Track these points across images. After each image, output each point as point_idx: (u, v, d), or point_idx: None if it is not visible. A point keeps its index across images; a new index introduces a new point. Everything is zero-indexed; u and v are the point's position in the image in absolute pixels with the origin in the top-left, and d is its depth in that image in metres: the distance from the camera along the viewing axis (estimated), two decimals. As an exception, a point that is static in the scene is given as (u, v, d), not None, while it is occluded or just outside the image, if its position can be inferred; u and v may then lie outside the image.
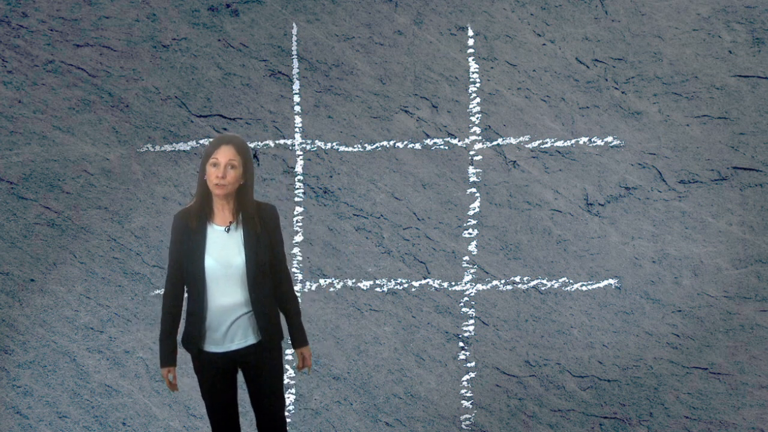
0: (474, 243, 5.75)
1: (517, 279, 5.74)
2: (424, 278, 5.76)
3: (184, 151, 5.79)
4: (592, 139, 5.73)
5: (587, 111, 5.73)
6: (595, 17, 5.73)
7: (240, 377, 4.49)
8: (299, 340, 4.45)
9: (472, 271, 5.75)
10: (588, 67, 5.73)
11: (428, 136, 5.76)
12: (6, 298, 5.79)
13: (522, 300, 5.74)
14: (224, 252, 4.31)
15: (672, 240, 5.69)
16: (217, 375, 4.37)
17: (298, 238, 5.78)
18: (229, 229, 4.35)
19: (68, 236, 5.78)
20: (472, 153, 5.76)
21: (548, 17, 5.75)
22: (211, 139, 4.09)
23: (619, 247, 5.71)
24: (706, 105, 5.69)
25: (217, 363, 4.35)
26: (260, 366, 4.36)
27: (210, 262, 4.30)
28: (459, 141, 5.76)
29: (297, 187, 5.77)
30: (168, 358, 4.41)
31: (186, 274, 4.34)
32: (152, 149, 5.79)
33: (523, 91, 5.75)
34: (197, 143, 5.79)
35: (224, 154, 4.30)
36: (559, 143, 5.74)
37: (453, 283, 5.75)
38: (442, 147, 5.77)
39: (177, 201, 5.79)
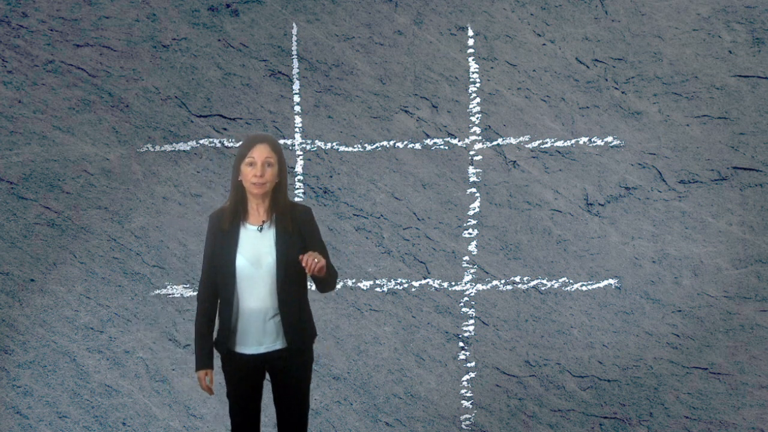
0: (474, 243, 5.75)
1: (517, 279, 5.74)
2: (424, 278, 5.76)
3: (184, 151, 5.79)
4: (592, 139, 5.73)
5: (587, 111, 5.73)
6: (595, 17, 5.73)
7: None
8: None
9: (472, 271, 5.75)
10: (588, 67, 5.73)
11: (428, 136, 5.76)
12: (6, 298, 5.79)
13: (522, 300, 5.74)
14: (255, 251, 4.29)
15: (672, 240, 5.69)
16: (244, 376, 4.34)
17: (298, 238, 5.77)
18: (261, 228, 4.33)
19: (68, 236, 5.78)
20: (472, 153, 5.76)
21: (548, 17, 5.75)
22: (242, 140, 4.08)
23: (619, 247, 5.71)
24: (706, 105, 5.69)
25: (246, 365, 4.33)
26: (287, 371, 4.33)
27: (241, 261, 4.28)
28: (459, 141, 5.76)
29: (297, 187, 5.77)
30: (204, 361, 4.36)
31: (218, 274, 4.33)
32: (152, 149, 5.79)
33: (523, 91, 5.75)
34: (197, 143, 5.79)
35: (260, 153, 4.29)
36: (559, 143, 5.74)
37: (453, 283, 5.75)
38: (442, 147, 5.77)
39: (177, 201, 5.79)
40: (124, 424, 5.77)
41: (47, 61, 5.79)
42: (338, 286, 5.70)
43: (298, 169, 5.78)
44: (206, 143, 5.79)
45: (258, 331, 4.30)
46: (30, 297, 5.79)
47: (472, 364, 5.75)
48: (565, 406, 5.72)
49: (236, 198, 4.35)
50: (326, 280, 4.33)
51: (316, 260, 4.17)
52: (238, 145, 5.77)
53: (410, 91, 5.76)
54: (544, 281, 5.73)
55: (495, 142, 5.75)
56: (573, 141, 5.73)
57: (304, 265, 4.18)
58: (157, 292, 5.79)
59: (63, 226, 5.78)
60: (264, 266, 4.28)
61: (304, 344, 4.35)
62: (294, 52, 5.79)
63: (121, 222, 5.78)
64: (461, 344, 5.75)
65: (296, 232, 4.32)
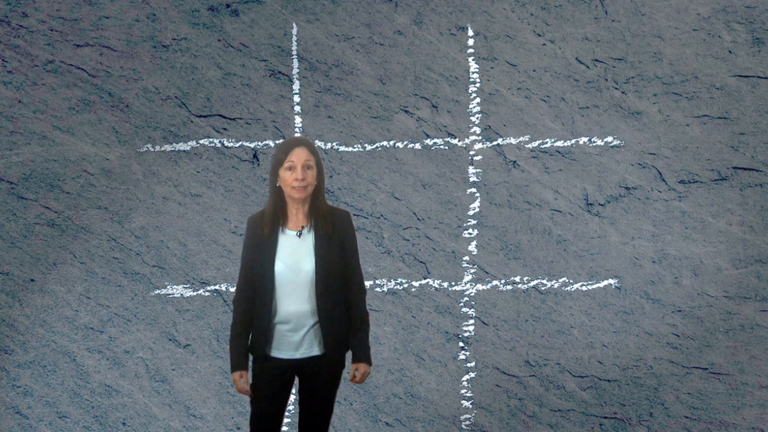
0: (474, 243, 5.75)
1: (517, 279, 5.74)
2: (424, 278, 5.76)
3: (184, 151, 5.79)
4: (592, 139, 5.73)
5: (587, 111, 5.73)
6: (595, 17, 5.73)
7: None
8: (358, 355, 4.33)
9: (472, 271, 5.75)
10: (588, 67, 5.73)
11: (428, 136, 5.76)
12: (6, 298, 5.78)
13: (522, 300, 5.74)
14: (295, 257, 4.26)
15: (672, 240, 5.69)
16: (275, 381, 4.30)
17: (298, 238, 5.77)
18: (301, 234, 4.30)
19: (68, 236, 5.78)
20: (472, 153, 5.76)
21: (548, 17, 5.75)
22: (278, 145, 4.05)
23: (619, 247, 5.71)
24: (706, 105, 5.69)
25: (279, 369, 4.29)
26: (319, 377, 4.30)
27: (280, 267, 4.25)
28: (459, 141, 5.76)
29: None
30: (239, 362, 4.32)
31: (256, 279, 4.29)
32: (152, 149, 5.79)
33: (523, 91, 5.75)
34: (197, 143, 5.79)
35: (299, 156, 4.26)
36: (559, 143, 5.74)
37: (453, 283, 5.75)
38: (442, 147, 5.77)
39: (177, 201, 5.79)
40: (124, 424, 5.77)
41: (47, 61, 5.79)
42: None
43: (298, 169, 5.78)
44: (206, 143, 5.79)
45: (295, 337, 4.27)
46: (30, 297, 5.79)
47: (472, 364, 5.75)
48: (565, 406, 5.72)
49: (275, 203, 4.32)
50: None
51: (359, 381, 4.35)
52: (238, 145, 5.77)
53: (410, 91, 5.77)
54: (544, 281, 5.73)
55: (495, 142, 5.75)
56: (573, 141, 5.73)
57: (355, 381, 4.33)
58: (157, 292, 5.79)
59: (63, 226, 5.78)
60: (303, 272, 4.24)
61: (340, 352, 4.33)
62: (294, 52, 5.79)
63: (121, 222, 5.78)
64: (461, 344, 5.75)
65: (336, 238, 4.29)
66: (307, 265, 4.24)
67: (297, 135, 5.58)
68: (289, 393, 4.36)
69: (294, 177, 4.24)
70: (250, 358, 4.37)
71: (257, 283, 4.29)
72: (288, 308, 4.26)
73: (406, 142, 5.77)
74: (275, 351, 4.29)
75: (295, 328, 4.26)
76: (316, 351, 4.29)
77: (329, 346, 4.27)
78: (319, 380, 4.30)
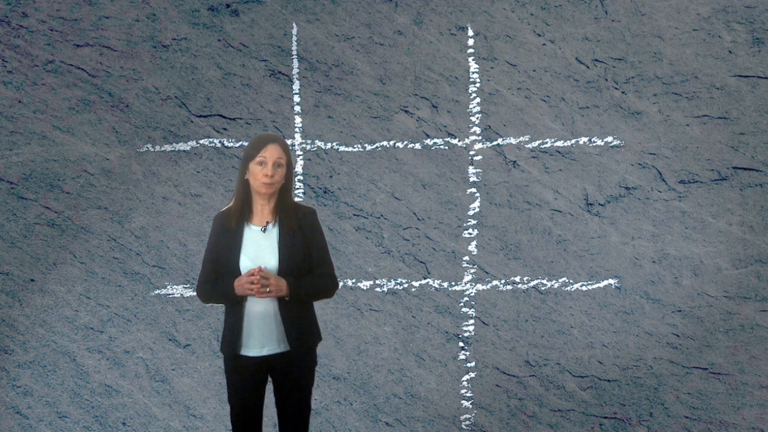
0: (474, 243, 5.75)
1: (517, 279, 5.74)
2: (424, 278, 5.76)
3: (184, 151, 5.79)
4: (592, 139, 5.73)
5: (587, 111, 5.73)
6: (595, 17, 5.73)
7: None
8: (291, 282, 4.26)
9: (472, 271, 5.75)
10: (588, 67, 5.73)
11: (428, 136, 5.76)
12: (6, 298, 5.78)
13: (522, 300, 5.74)
14: (259, 252, 4.28)
15: (672, 240, 5.69)
16: (247, 379, 4.33)
17: (298, 238, 5.77)
18: (265, 229, 4.33)
19: (68, 236, 5.78)
20: (472, 153, 5.76)
21: (548, 17, 5.75)
22: (242, 140, 4.05)
23: (619, 247, 5.71)
24: (706, 105, 5.69)
25: (250, 367, 4.32)
26: (289, 373, 4.32)
27: (246, 262, 4.27)
28: (459, 141, 5.76)
29: (297, 187, 5.77)
30: (230, 283, 4.26)
31: (222, 275, 4.33)
32: (152, 149, 5.79)
33: (523, 91, 5.75)
34: (197, 143, 5.79)
35: (272, 153, 4.29)
36: (559, 143, 5.74)
37: (453, 283, 5.75)
38: (442, 147, 5.77)
39: (177, 201, 5.79)
40: (124, 424, 5.77)
41: (47, 61, 5.79)
42: (339, 286, 5.71)
43: (298, 169, 5.78)
44: (206, 143, 5.79)
45: (261, 334, 4.29)
46: (30, 297, 5.79)
47: (472, 364, 5.75)
48: (565, 406, 5.72)
49: (242, 198, 4.34)
50: (306, 298, 4.32)
51: (267, 288, 4.19)
52: (238, 145, 5.77)
53: (410, 91, 5.76)
54: (544, 281, 5.73)
55: (495, 142, 5.75)
56: (573, 141, 5.73)
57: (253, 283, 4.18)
58: (157, 292, 5.79)
59: (63, 226, 5.78)
60: (266, 268, 4.27)
61: (306, 347, 4.34)
62: (294, 52, 5.79)
63: (121, 222, 5.78)
64: (461, 344, 5.75)
65: (300, 234, 4.32)
66: (271, 261, 4.27)
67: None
68: (263, 390, 4.39)
69: (264, 173, 4.26)
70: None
71: (224, 278, 4.32)
72: (253, 304, 4.28)
73: (406, 142, 5.77)
74: (244, 349, 4.32)
75: (261, 324, 4.28)
76: (282, 347, 4.31)
77: (294, 342, 4.29)
78: (289, 377, 4.32)
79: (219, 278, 4.33)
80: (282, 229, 4.31)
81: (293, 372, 4.32)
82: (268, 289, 4.20)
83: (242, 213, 4.34)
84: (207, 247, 4.39)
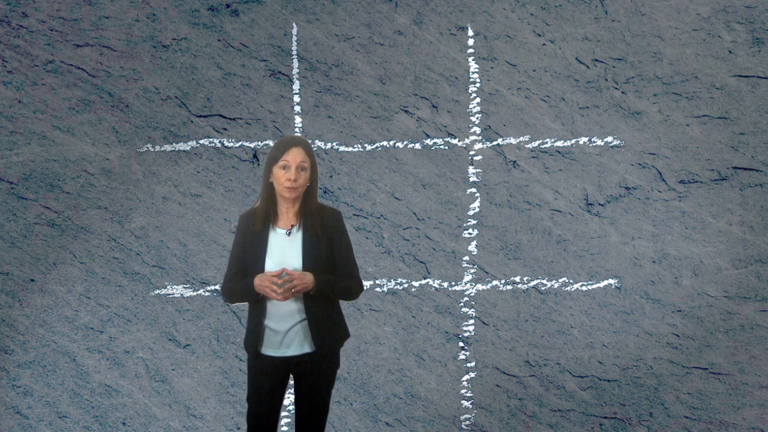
0: (474, 243, 5.75)
1: (517, 279, 5.74)
2: (424, 278, 5.76)
3: (184, 151, 5.79)
4: (592, 139, 5.73)
5: (587, 111, 5.73)
6: (595, 17, 5.73)
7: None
8: (317, 275, 4.25)
9: (472, 271, 5.75)
10: (588, 67, 5.73)
11: (428, 136, 5.76)
12: (6, 298, 5.78)
13: (522, 300, 5.74)
14: (284, 255, 4.27)
15: (672, 240, 5.69)
16: (269, 379, 4.31)
17: (298, 238, 5.77)
18: (290, 233, 4.31)
19: (68, 236, 5.78)
20: (472, 153, 5.76)
21: (548, 17, 5.75)
22: (275, 142, 4.05)
23: (619, 247, 5.71)
24: (706, 105, 5.69)
25: (272, 367, 4.30)
26: (312, 374, 4.30)
27: (270, 265, 4.26)
28: (459, 141, 5.76)
29: (297, 187, 5.77)
30: (250, 281, 4.26)
31: (247, 276, 4.31)
32: (152, 149, 5.79)
33: (523, 91, 5.75)
34: (197, 143, 5.79)
35: (294, 156, 4.27)
36: (559, 143, 5.74)
37: (453, 283, 5.75)
38: (442, 147, 5.77)
39: (177, 201, 5.79)
40: (124, 424, 5.77)
41: (47, 61, 5.79)
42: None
43: (298, 169, 5.78)
44: (206, 143, 5.79)
45: (285, 335, 4.29)
46: (30, 297, 5.79)
47: (472, 364, 5.75)
48: (565, 406, 5.72)
49: (266, 200, 4.33)
50: (331, 293, 4.31)
51: (293, 288, 4.18)
52: (238, 145, 5.77)
53: (410, 91, 5.76)
54: (544, 281, 5.73)
55: (495, 142, 5.75)
56: (573, 141, 5.74)
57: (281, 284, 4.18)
58: (157, 292, 5.79)
59: (63, 226, 5.78)
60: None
61: (330, 349, 4.33)
62: (294, 52, 5.79)
63: (121, 222, 5.78)
64: (461, 344, 5.75)
65: (324, 237, 4.30)
66: (296, 264, 4.25)
67: (296, 134, 5.59)
68: (283, 391, 4.37)
69: (287, 177, 4.25)
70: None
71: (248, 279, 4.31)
72: (278, 306, 4.27)
73: (406, 142, 5.77)
74: (266, 349, 4.31)
75: (285, 326, 4.28)
76: (307, 348, 4.30)
77: (319, 344, 4.28)
78: (311, 378, 4.31)
79: (242, 278, 4.33)
80: (306, 232, 4.29)
81: (315, 373, 4.30)
82: (293, 289, 4.18)
83: (267, 216, 4.32)
84: (232, 246, 4.38)
